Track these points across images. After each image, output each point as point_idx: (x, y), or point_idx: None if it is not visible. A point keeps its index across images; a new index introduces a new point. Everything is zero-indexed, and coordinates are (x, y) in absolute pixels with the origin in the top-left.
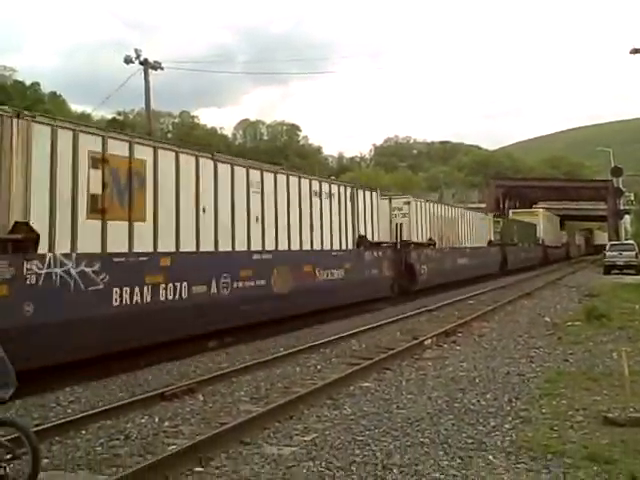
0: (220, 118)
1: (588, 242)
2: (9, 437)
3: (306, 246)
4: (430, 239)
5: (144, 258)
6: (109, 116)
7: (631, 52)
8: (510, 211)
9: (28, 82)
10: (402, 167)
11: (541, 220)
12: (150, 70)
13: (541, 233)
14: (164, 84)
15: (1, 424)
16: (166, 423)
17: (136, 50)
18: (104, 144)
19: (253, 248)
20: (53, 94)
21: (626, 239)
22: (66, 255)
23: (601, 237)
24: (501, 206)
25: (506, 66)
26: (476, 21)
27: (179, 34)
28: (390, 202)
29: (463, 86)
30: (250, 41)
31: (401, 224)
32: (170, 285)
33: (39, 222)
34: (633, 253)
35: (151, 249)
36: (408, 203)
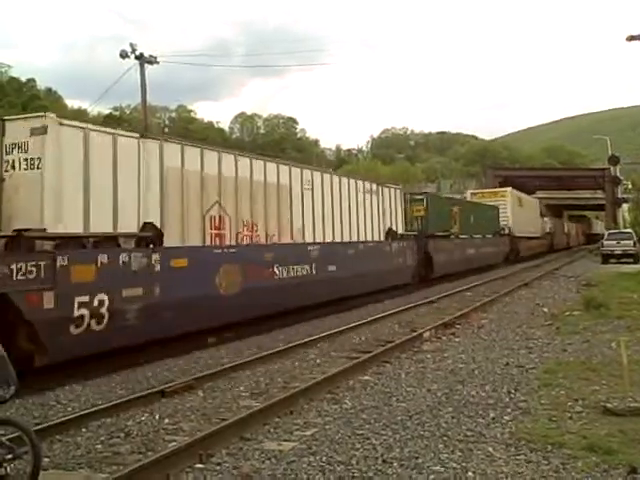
0: (217, 111)
1: (580, 231)
2: (10, 436)
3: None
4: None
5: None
6: (105, 111)
7: (627, 39)
8: (468, 192)
9: (24, 78)
10: (399, 158)
11: (509, 203)
12: (146, 64)
13: (509, 220)
14: (161, 78)
15: (2, 423)
16: (166, 420)
17: (131, 44)
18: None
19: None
20: (49, 90)
21: (624, 227)
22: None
23: (600, 226)
24: None
25: (502, 56)
26: (472, 11)
27: (175, 28)
28: (544, 218)
29: (460, 76)
30: (247, 34)
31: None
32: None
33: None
34: (631, 242)
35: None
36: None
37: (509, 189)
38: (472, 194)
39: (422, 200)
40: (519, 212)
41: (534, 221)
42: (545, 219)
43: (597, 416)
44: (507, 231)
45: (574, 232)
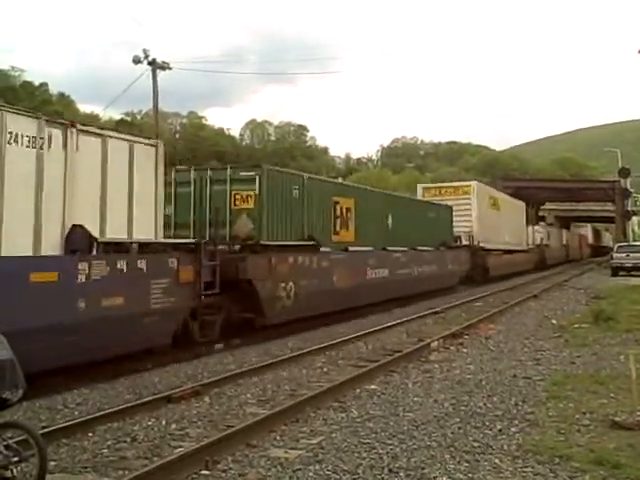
0: (228, 118)
1: (584, 242)
2: (16, 439)
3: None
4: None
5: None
6: (117, 117)
7: (639, 52)
8: (419, 186)
9: (37, 83)
10: (409, 168)
11: (474, 203)
12: (158, 70)
13: (473, 226)
14: (173, 84)
15: (8, 426)
16: (173, 425)
17: (144, 50)
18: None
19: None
20: (61, 95)
21: (634, 240)
22: None
23: (607, 238)
24: None
25: (514, 67)
26: (484, 21)
27: (190, 34)
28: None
29: (470, 87)
30: (260, 41)
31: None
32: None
33: None
34: None
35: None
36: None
37: (474, 183)
38: (425, 189)
39: (253, 180)
40: (491, 216)
41: (516, 230)
42: (536, 228)
43: (605, 429)
44: (467, 241)
45: (575, 244)
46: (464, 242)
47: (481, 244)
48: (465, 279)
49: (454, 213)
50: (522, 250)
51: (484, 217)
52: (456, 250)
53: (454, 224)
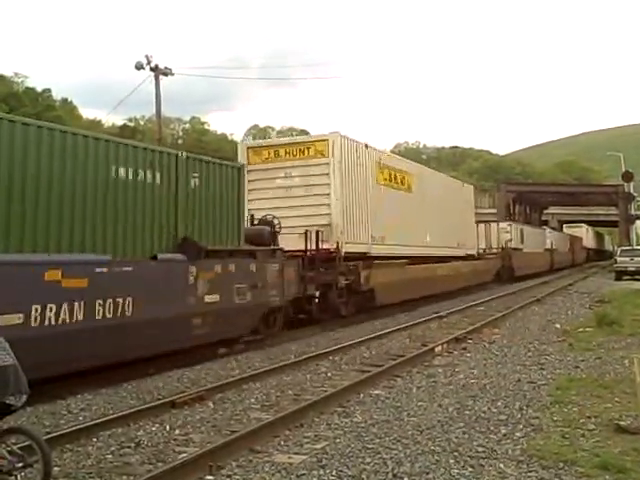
0: (231, 123)
1: (578, 245)
2: (20, 445)
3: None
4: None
5: None
6: (120, 122)
7: None
8: (241, 145)
9: (40, 89)
10: None
11: (335, 170)
12: (161, 76)
13: (332, 214)
14: (176, 89)
15: (13, 432)
16: (176, 431)
17: (147, 56)
18: None
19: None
20: (64, 100)
21: (637, 244)
22: None
23: (607, 241)
24: (511, 211)
25: (516, 71)
26: (487, 26)
27: (193, 41)
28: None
29: (473, 92)
30: (263, 47)
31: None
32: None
33: None
34: None
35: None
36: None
37: (334, 135)
38: (252, 151)
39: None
40: (382, 199)
41: (455, 226)
42: (502, 226)
43: (610, 434)
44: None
45: (564, 247)
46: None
47: (346, 246)
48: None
49: (302, 189)
50: (466, 257)
51: (357, 199)
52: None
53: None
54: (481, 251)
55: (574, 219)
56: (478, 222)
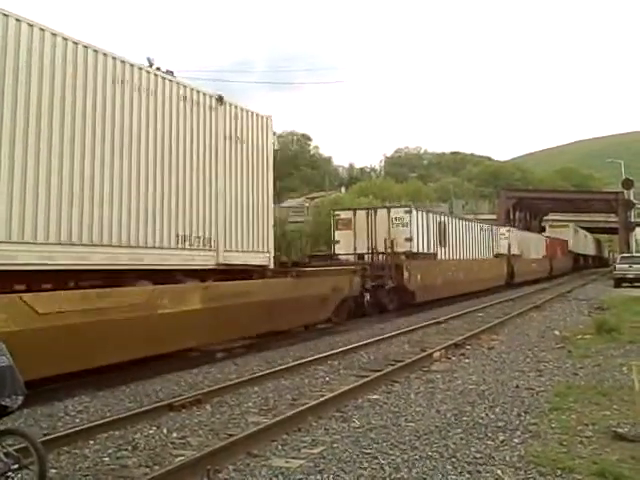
0: None
1: (559, 250)
2: (16, 447)
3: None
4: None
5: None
6: None
7: None
8: None
9: None
10: (412, 178)
11: None
12: None
13: None
14: None
15: (8, 434)
16: (174, 434)
17: (148, 59)
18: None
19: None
20: None
21: (636, 252)
22: None
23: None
24: (511, 217)
25: (517, 78)
26: (487, 33)
27: (198, 45)
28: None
29: (474, 98)
30: (267, 51)
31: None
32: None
33: None
34: None
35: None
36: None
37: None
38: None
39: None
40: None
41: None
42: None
43: (608, 441)
44: None
45: (537, 253)
46: None
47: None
48: None
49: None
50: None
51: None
52: None
53: None
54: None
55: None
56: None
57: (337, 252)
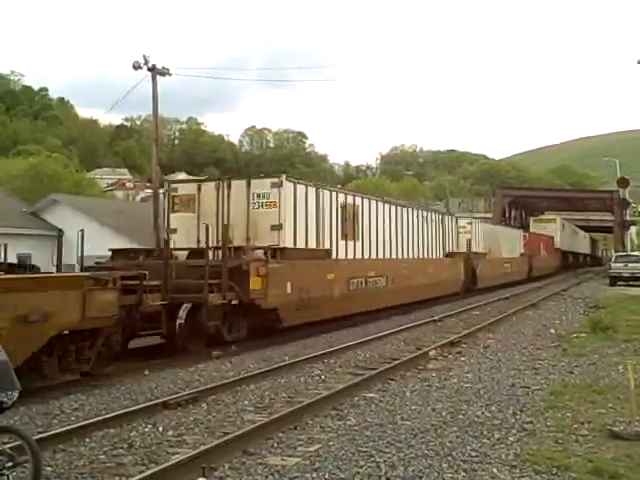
0: (228, 124)
1: (544, 248)
2: (11, 445)
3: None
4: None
5: None
6: (117, 122)
7: (639, 62)
8: None
9: (36, 87)
10: (408, 176)
11: None
12: (158, 76)
13: None
14: (173, 90)
15: (3, 431)
16: (170, 432)
17: (144, 56)
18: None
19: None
20: (61, 100)
21: (632, 250)
22: None
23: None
24: (507, 215)
25: (514, 76)
26: (483, 30)
27: (193, 42)
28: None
29: (470, 96)
30: (263, 48)
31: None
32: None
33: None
34: (639, 265)
35: None
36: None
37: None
38: None
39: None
40: None
41: None
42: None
43: (603, 440)
44: None
45: (514, 251)
46: None
47: None
48: None
49: None
50: None
51: None
52: None
53: None
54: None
55: None
56: None
57: (174, 246)
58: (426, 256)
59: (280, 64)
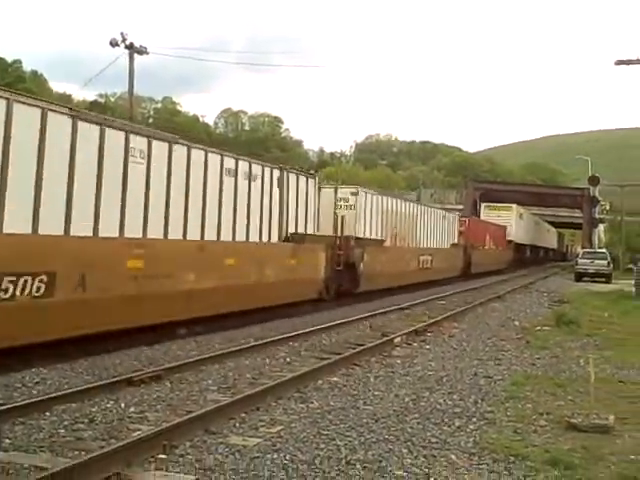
0: (205, 105)
1: (492, 240)
2: None
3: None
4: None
5: None
6: (91, 98)
7: (616, 63)
8: None
9: (10, 59)
10: (382, 165)
11: None
12: (136, 55)
13: None
14: (151, 68)
15: None
16: (131, 408)
17: (122, 34)
18: None
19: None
20: (34, 73)
21: (599, 247)
22: None
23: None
24: (478, 208)
25: (490, 71)
26: (462, 24)
27: (174, 23)
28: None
29: (447, 88)
30: (244, 31)
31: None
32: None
33: None
34: (605, 262)
35: None
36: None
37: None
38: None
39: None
40: None
41: None
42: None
43: (561, 431)
44: None
45: (444, 242)
46: None
47: None
48: None
49: None
50: None
51: None
52: None
53: None
54: None
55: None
56: None
57: None
58: (257, 240)
59: (262, 48)
